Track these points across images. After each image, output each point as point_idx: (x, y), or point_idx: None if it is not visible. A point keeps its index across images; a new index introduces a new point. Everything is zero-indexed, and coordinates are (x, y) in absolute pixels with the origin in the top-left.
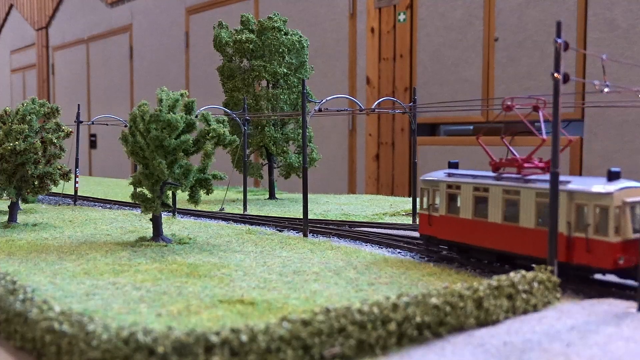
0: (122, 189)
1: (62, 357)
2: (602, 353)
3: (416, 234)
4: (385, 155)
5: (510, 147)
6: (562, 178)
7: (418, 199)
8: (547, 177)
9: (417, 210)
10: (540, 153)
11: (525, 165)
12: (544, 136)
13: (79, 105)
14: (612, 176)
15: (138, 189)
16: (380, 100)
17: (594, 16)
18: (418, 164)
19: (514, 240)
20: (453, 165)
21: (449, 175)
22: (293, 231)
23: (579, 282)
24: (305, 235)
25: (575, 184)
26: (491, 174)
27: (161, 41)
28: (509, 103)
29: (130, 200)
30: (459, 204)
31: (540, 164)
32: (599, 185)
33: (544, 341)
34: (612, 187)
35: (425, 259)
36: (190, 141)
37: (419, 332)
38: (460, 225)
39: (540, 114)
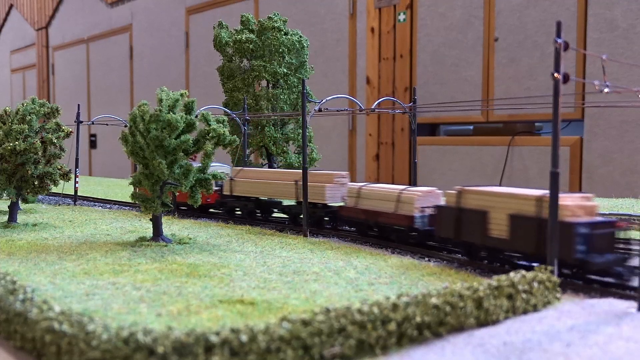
0: (122, 189)
1: (62, 357)
2: (602, 353)
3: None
4: (385, 155)
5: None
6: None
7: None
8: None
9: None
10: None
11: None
12: None
13: (79, 105)
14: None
15: (138, 190)
16: (380, 100)
17: (594, 16)
18: (418, 164)
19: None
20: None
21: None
22: (293, 231)
23: None
24: (305, 235)
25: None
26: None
27: (161, 41)
28: None
29: (130, 200)
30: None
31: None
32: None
33: (544, 341)
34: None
35: (426, 258)
36: (190, 141)
37: (419, 332)
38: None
39: None
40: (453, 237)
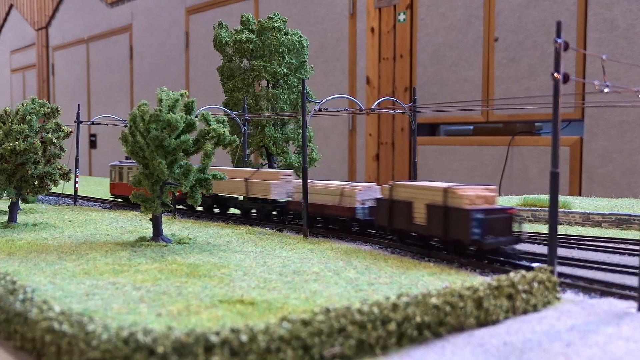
0: None
1: (62, 357)
2: (602, 353)
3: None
4: (385, 155)
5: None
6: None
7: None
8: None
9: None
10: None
11: None
12: None
13: (79, 105)
14: None
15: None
16: (380, 100)
17: (594, 16)
18: (418, 164)
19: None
20: (127, 158)
21: (120, 162)
22: (293, 231)
23: None
24: (305, 235)
25: None
26: (128, 162)
27: (161, 41)
28: None
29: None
30: (123, 176)
31: None
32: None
33: (544, 341)
34: None
35: (426, 258)
36: (190, 141)
37: (419, 332)
38: (122, 186)
39: None
40: (387, 225)
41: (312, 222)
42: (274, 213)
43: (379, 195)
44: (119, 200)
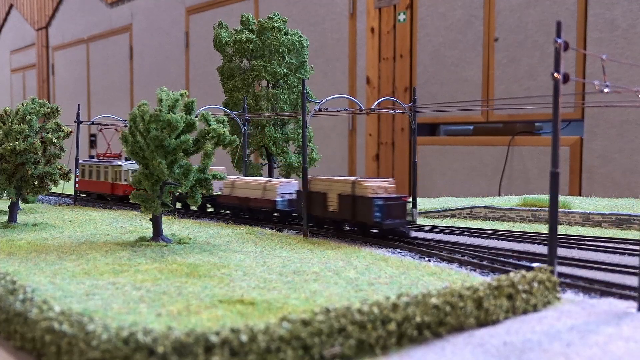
0: None
1: (62, 357)
2: (602, 353)
3: (416, 234)
4: (385, 155)
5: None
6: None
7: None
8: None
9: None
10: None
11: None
12: None
13: (79, 105)
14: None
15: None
16: (380, 100)
17: (594, 16)
18: (418, 164)
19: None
20: (91, 156)
21: (84, 161)
22: (293, 231)
23: None
24: (305, 235)
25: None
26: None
27: (161, 41)
28: None
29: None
30: (85, 174)
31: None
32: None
33: (544, 341)
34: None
35: (426, 258)
36: (190, 141)
37: (419, 332)
38: (84, 183)
39: None
40: (307, 212)
41: (238, 212)
42: (208, 205)
43: (299, 189)
44: (82, 195)
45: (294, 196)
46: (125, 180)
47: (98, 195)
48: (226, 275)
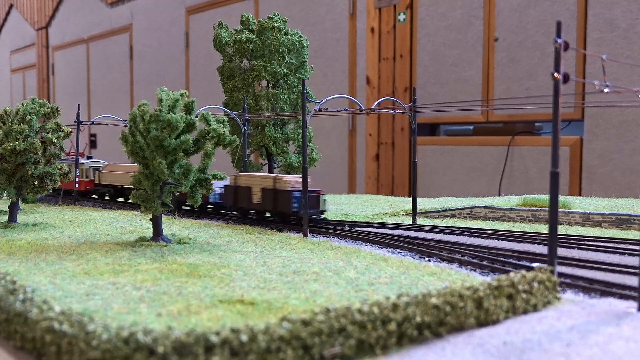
0: None
1: (62, 357)
2: (602, 353)
3: (417, 234)
4: (385, 155)
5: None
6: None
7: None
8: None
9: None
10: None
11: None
12: None
13: (79, 105)
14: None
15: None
16: (380, 100)
17: (594, 16)
18: (418, 164)
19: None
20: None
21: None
22: (293, 231)
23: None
24: (305, 235)
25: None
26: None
27: (161, 41)
28: None
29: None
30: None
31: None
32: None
33: (544, 341)
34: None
35: (426, 258)
36: (190, 141)
37: (419, 332)
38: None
39: None
40: (233, 204)
41: (180, 207)
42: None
43: (228, 183)
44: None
45: (223, 191)
46: (87, 177)
47: (64, 191)
48: (226, 275)
